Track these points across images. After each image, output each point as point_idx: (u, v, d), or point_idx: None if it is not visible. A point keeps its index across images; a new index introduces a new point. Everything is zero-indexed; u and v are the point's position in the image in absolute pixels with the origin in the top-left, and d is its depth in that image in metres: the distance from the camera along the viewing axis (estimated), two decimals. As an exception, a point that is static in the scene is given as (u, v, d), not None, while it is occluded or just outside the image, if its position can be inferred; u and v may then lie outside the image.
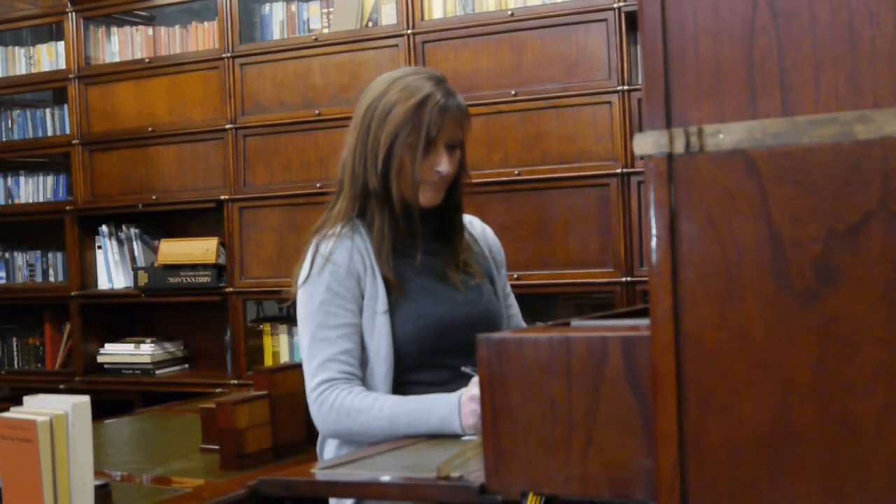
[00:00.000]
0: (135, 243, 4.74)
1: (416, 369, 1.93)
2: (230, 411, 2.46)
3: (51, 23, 4.99)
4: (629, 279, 3.56)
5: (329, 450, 1.99)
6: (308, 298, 1.94)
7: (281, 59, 4.27)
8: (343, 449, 1.94)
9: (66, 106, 4.86)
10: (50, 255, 5.03)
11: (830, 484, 0.98)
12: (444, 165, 1.95)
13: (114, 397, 4.49)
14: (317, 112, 4.17)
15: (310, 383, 1.91)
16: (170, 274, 4.46)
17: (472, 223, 2.16)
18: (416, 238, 1.98)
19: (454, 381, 1.90)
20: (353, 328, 1.91)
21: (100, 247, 4.78)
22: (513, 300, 2.18)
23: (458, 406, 1.75)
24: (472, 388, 1.76)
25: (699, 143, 1.04)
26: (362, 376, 1.92)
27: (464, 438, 1.72)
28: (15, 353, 5.11)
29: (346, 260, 1.93)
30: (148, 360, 4.59)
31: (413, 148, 1.92)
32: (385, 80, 2.00)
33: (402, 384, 1.92)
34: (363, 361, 1.93)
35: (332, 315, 1.90)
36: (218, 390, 3.87)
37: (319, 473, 1.51)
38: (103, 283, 4.77)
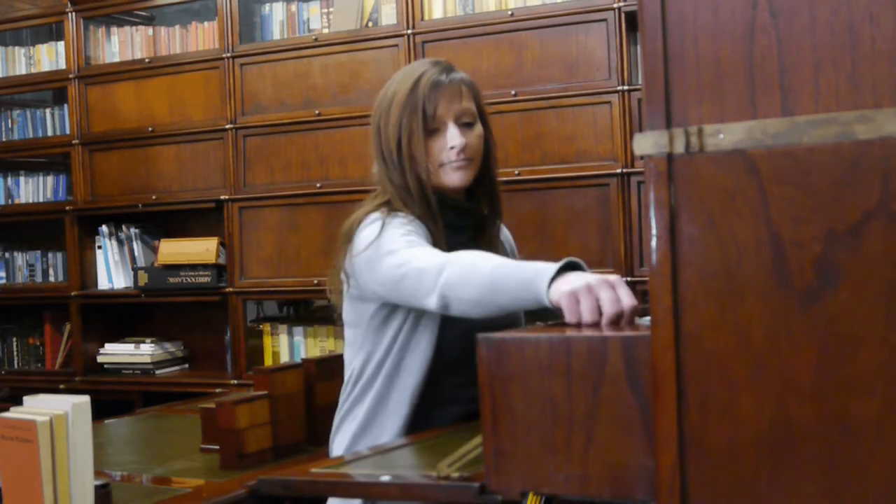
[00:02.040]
0: (135, 243, 4.74)
1: (452, 369, 1.88)
2: (230, 411, 2.47)
3: (51, 23, 4.99)
4: (629, 279, 3.56)
5: (340, 441, 1.97)
6: (391, 230, 1.82)
7: (281, 59, 4.27)
8: (358, 441, 1.92)
9: (66, 106, 4.86)
10: (50, 255, 5.03)
11: (830, 484, 0.98)
12: (455, 138, 1.89)
13: (114, 397, 4.49)
14: (317, 112, 4.17)
15: (388, 267, 1.76)
16: (170, 274, 4.46)
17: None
18: (439, 232, 1.90)
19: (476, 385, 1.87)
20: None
21: (100, 247, 4.79)
22: None
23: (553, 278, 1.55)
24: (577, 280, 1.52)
25: (699, 143, 1.04)
26: None
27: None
28: (15, 353, 5.11)
29: (420, 233, 1.86)
30: (148, 360, 4.59)
31: (417, 131, 1.88)
32: (391, 78, 1.99)
33: (433, 383, 1.88)
34: (400, 359, 1.88)
35: (416, 234, 1.81)
36: (218, 390, 3.87)
37: (319, 473, 1.51)
38: (103, 283, 4.78)
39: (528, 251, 3.74)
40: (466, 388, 1.86)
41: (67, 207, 4.77)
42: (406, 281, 1.74)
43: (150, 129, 4.57)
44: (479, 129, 1.95)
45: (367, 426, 1.91)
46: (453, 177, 1.92)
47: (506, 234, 2.17)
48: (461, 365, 1.87)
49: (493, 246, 2.00)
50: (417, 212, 1.89)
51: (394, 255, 1.77)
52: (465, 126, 1.92)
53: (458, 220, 1.97)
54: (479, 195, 2.01)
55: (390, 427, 1.89)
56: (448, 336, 1.86)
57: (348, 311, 1.97)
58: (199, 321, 4.71)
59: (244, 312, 4.37)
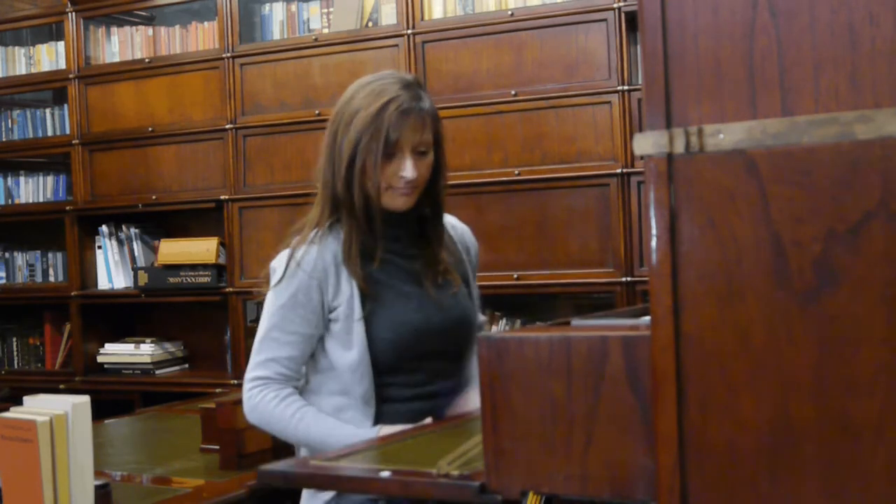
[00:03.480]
0: (135, 243, 4.74)
1: (392, 373, 1.95)
2: (230, 411, 2.47)
3: (51, 23, 4.99)
4: (629, 279, 3.56)
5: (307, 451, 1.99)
6: (273, 299, 1.98)
7: (281, 59, 4.27)
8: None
9: (66, 106, 4.86)
10: (50, 255, 5.03)
11: (830, 484, 0.98)
12: (408, 171, 1.92)
13: (114, 397, 4.49)
14: (317, 112, 4.17)
15: (247, 375, 1.99)
16: (170, 274, 4.46)
17: (454, 226, 2.15)
18: (378, 244, 1.97)
19: (432, 383, 1.97)
20: (304, 338, 1.95)
21: (100, 247, 4.78)
22: (478, 305, 2.18)
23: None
24: (389, 428, 1.86)
25: (699, 143, 1.04)
26: (299, 382, 2.00)
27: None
28: (15, 353, 5.11)
29: (310, 267, 1.95)
30: (148, 360, 4.59)
31: (374, 154, 1.91)
32: (356, 85, 2.01)
33: (378, 386, 1.94)
34: (342, 367, 1.95)
35: (288, 321, 1.94)
36: (218, 390, 3.87)
37: (319, 466, 1.51)
38: (103, 283, 4.77)
39: (529, 251, 3.76)
40: (414, 387, 1.96)
41: (67, 207, 4.77)
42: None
43: (150, 129, 4.57)
44: (430, 158, 1.98)
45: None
46: (398, 201, 1.96)
47: (465, 239, 2.17)
48: (399, 368, 1.95)
49: (437, 248, 2.04)
50: (354, 222, 1.95)
51: (256, 354, 2.00)
52: (419, 155, 1.95)
53: (393, 230, 2.00)
54: (420, 206, 2.02)
55: (335, 408, 1.96)
56: (376, 345, 1.94)
57: None
58: (199, 321, 4.70)
59: (244, 312, 4.37)
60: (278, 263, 1.98)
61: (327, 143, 2.00)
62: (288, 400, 1.94)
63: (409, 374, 1.96)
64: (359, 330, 1.92)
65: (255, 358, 1.99)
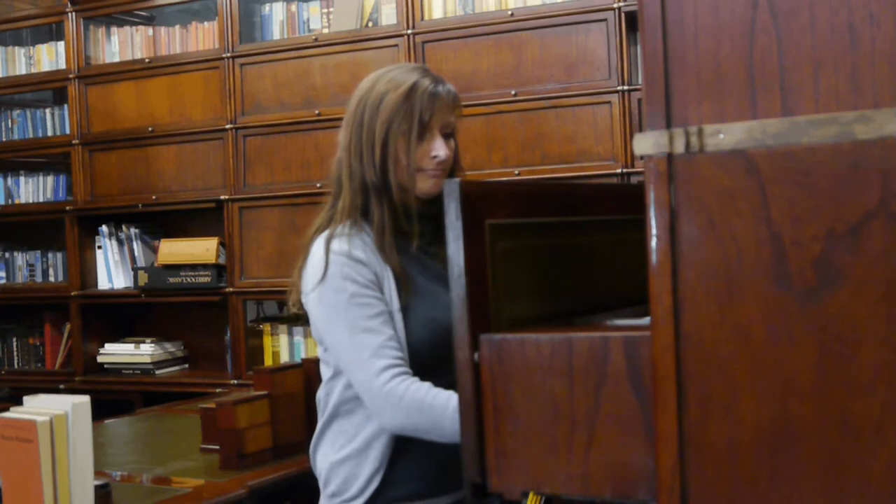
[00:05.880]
0: (135, 243, 4.74)
1: (423, 373, 1.88)
2: (230, 411, 2.47)
3: (51, 23, 5.00)
4: (629, 279, 3.56)
5: (322, 455, 1.97)
6: (334, 295, 1.88)
7: (281, 59, 4.27)
8: (343, 452, 1.92)
9: (66, 106, 4.86)
10: (50, 255, 5.04)
11: (830, 484, 0.98)
12: (441, 150, 1.93)
13: (114, 397, 4.50)
14: (317, 112, 4.17)
15: (368, 374, 1.82)
16: (170, 274, 4.46)
17: None
18: (414, 234, 1.94)
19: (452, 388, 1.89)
20: (389, 316, 1.88)
21: (100, 247, 4.79)
22: None
23: None
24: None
25: (699, 143, 1.04)
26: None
27: None
28: (15, 353, 5.11)
29: (363, 255, 1.90)
30: (148, 360, 4.59)
31: (407, 135, 1.91)
32: (372, 77, 2.01)
33: None
34: None
35: (367, 306, 1.86)
36: (218, 390, 3.87)
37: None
38: (103, 283, 4.78)
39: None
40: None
41: (67, 207, 4.77)
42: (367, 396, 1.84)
43: (150, 129, 4.58)
44: (453, 142, 1.99)
45: (353, 435, 1.92)
46: (429, 183, 1.94)
47: None
48: (431, 368, 1.87)
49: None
50: (388, 209, 1.92)
51: (363, 364, 1.83)
52: (446, 137, 1.96)
53: (420, 226, 1.97)
54: (438, 210, 2.00)
55: (372, 433, 1.89)
56: (413, 340, 1.87)
57: (313, 330, 1.99)
58: (199, 321, 4.71)
59: (244, 312, 4.37)
60: (321, 261, 1.91)
61: (353, 131, 1.97)
62: (434, 389, 1.79)
63: (438, 376, 1.84)
64: (398, 321, 1.88)
65: (360, 356, 1.83)
